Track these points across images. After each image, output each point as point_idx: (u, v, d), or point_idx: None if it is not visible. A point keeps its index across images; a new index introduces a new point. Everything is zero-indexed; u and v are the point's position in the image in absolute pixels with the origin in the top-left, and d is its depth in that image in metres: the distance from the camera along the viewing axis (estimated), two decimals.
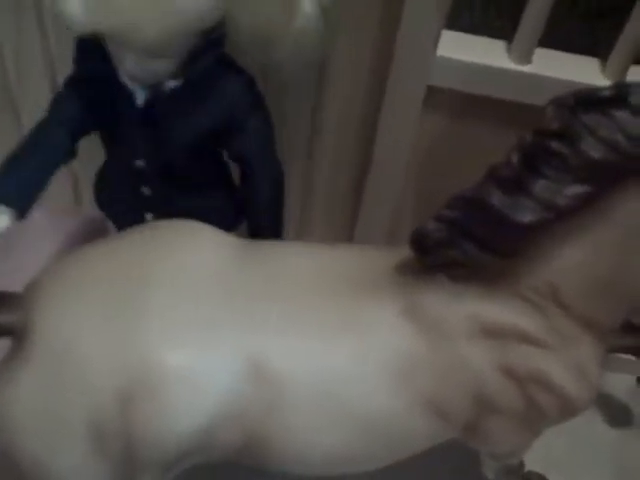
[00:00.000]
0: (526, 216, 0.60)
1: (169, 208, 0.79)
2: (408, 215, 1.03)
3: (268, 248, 0.70)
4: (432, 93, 0.87)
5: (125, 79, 0.69)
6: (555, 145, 0.59)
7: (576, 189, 0.60)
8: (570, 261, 0.64)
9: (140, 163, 0.75)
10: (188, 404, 0.60)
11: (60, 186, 1.08)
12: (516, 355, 0.65)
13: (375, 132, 0.91)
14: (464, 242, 0.63)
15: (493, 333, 0.65)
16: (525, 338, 0.65)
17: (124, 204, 0.80)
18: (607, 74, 0.84)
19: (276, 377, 0.62)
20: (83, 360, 0.60)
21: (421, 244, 0.64)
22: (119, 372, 0.60)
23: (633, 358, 0.97)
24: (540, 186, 0.60)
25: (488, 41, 0.86)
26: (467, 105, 0.89)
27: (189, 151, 0.74)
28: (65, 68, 0.90)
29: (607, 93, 0.58)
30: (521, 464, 0.86)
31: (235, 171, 0.81)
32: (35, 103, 0.96)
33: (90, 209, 1.04)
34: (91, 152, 1.00)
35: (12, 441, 0.60)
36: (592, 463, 0.99)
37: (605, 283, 0.65)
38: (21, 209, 0.69)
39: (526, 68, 0.84)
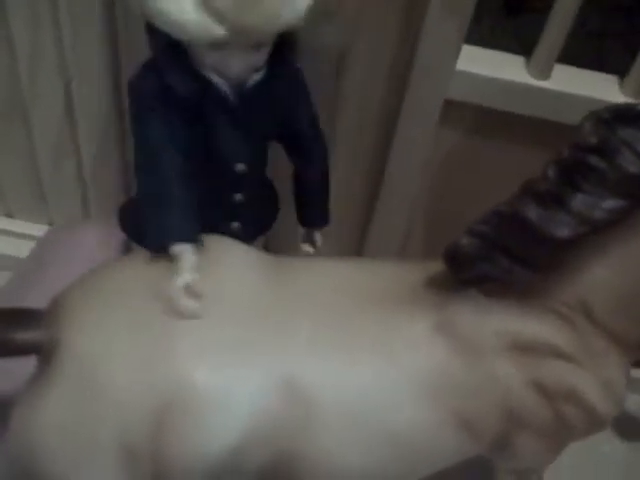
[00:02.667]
0: (564, 231, 0.60)
1: (252, 214, 0.79)
2: (420, 230, 1.03)
3: (296, 265, 0.70)
4: (449, 107, 0.87)
5: (218, 81, 0.67)
6: (593, 160, 0.59)
7: (613, 203, 0.60)
8: (600, 276, 0.64)
9: (241, 167, 0.73)
10: (220, 425, 0.59)
11: (69, 198, 1.07)
12: (547, 370, 0.65)
13: (390, 145, 0.91)
14: (498, 257, 0.62)
15: (525, 348, 0.65)
16: (556, 353, 0.65)
17: (210, 215, 0.74)
18: (625, 91, 0.84)
19: (307, 396, 0.62)
20: (113, 378, 0.59)
21: (455, 259, 0.64)
22: (150, 392, 0.58)
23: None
24: (578, 200, 0.60)
25: (507, 56, 0.86)
26: (484, 120, 0.89)
27: (268, 144, 0.76)
28: (79, 73, 0.90)
29: None
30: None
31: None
32: (46, 108, 0.95)
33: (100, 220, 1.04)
34: (100, 162, 1.00)
35: (39, 462, 0.59)
36: (599, 478, 0.99)
37: (633, 298, 0.65)
38: (196, 239, 0.66)
39: (545, 84, 0.84)
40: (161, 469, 0.58)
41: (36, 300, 0.65)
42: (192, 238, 0.65)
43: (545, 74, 0.84)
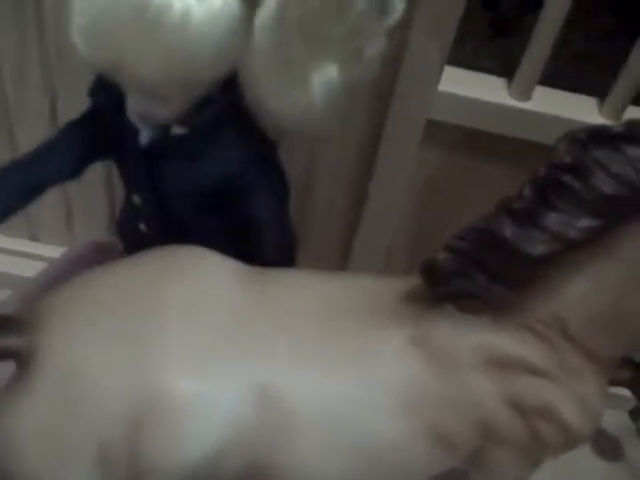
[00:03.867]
0: (537, 248, 0.61)
1: None
2: (403, 248, 1.04)
3: (275, 276, 0.70)
4: (431, 127, 0.88)
5: (131, 116, 0.67)
6: (567, 179, 0.60)
7: (587, 223, 0.60)
8: (576, 294, 0.65)
9: (136, 199, 0.74)
10: (196, 432, 0.60)
11: (52, 214, 1.07)
12: (522, 387, 0.66)
13: (373, 163, 0.92)
14: (474, 273, 0.63)
15: (500, 364, 0.65)
16: (531, 370, 0.66)
17: (129, 237, 0.78)
18: (604, 113, 0.86)
19: (283, 406, 0.62)
20: (91, 385, 0.59)
21: (431, 274, 0.64)
22: (127, 398, 0.59)
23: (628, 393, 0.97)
24: (552, 219, 0.60)
25: (489, 77, 0.88)
26: (465, 140, 0.90)
27: (188, 200, 0.71)
28: (65, 90, 0.91)
29: (619, 129, 0.60)
30: None
31: None
32: (32, 126, 0.96)
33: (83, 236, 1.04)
34: (84, 179, 1.01)
35: (15, 466, 0.59)
36: None
37: (608, 316, 0.66)
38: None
39: (525, 105, 0.86)
40: (137, 474, 0.58)
41: None
42: None
43: (526, 95, 0.86)
